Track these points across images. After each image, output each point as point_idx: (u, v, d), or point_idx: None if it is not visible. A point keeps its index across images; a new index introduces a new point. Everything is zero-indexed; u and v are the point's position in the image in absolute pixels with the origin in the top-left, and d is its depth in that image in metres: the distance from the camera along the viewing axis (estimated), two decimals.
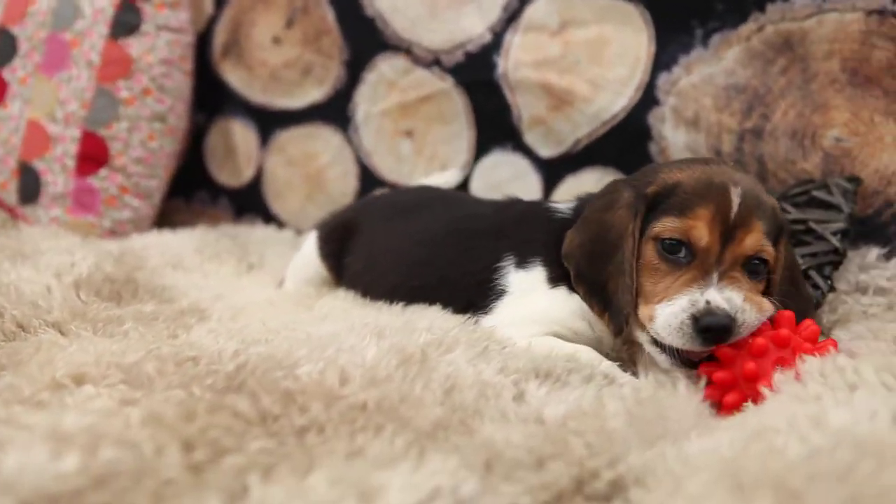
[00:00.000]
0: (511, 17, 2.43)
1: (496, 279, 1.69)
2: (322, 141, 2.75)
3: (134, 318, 1.62)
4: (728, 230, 1.44)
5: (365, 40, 2.64)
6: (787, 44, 2.10)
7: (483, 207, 1.94)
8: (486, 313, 1.67)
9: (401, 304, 1.75)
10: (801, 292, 1.61)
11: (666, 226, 1.47)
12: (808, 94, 2.08)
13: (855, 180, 1.92)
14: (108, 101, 2.56)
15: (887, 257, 1.84)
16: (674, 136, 2.24)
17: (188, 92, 2.77)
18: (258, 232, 2.66)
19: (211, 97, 2.89)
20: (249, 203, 2.88)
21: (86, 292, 1.74)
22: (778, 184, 2.12)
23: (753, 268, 1.48)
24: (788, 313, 1.44)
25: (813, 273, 1.67)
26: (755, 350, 1.37)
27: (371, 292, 1.89)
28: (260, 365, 1.20)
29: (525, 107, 2.42)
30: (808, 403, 1.16)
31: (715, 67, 2.18)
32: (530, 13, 2.41)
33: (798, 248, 1.73)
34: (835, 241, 1.70)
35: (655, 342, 1.46)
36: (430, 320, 1.52)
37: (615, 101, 2.30)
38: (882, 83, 2.00)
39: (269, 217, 2.84)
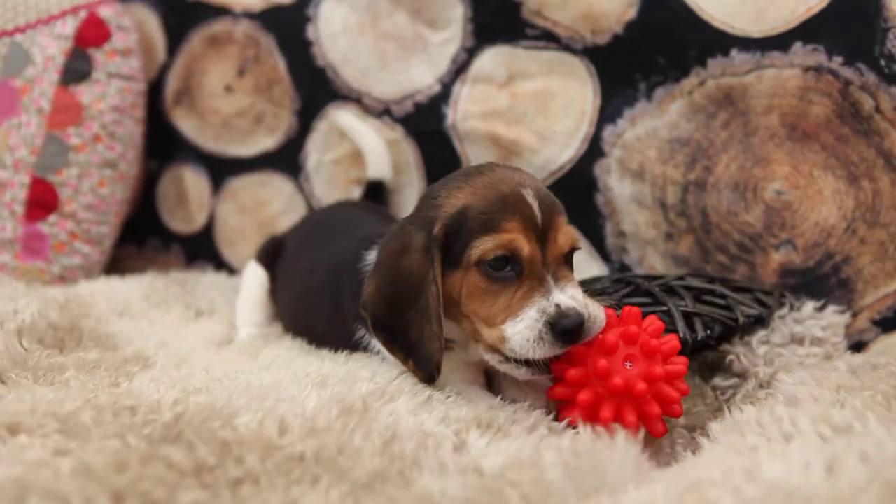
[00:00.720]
0: (459, 69, 2.45)
1: (364, 347, 1.70)
2: (274, 188, 2.74)
3: (76, 366, 1.59)
4: (540, 234, 1.44)
5: (316, 90, 2.64)
6: (728, 98, 2.12)
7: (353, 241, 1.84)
8: None
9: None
10: None
11: (486, 247, 1.43)
12: (750, 148, 2.10)
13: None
14: (58, 147, 2.54)
15: (821, 309, 1.85)
16: (620, 187, 2.25)
17: (140, 139, 2.75)
18: (208, 278, 2.63)
19: (163, 144, 2.87)
20: (201, 250, 2.86)
21: (28, 340, 1.71)
22: (721, 235, 2.13)
23: (569, 259, 1.51)
24: (635, 310, 1.46)
25: (696, 319, 1.66)
26: (606, 347, 1.37)
27: (283, 314, 2.05)
28: (198, 414, 1.19)
29: (474, 157, 2.42)
30: (743, 455, 1.17)
31: (659, 120, 2.20)
32: (478, 65, 2.42)
33: (704, 305, 1.74)
34: (738, 314, 1.70)
35: (508, 359, 1.44)
36: (373, 370, 1.50)
37: (562, 152, 2.32)
38: (820, 138, 2.03)
39: (220, 264, 2.82)
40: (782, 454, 1.12)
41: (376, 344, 1.63)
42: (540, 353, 1.39)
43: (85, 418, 1.18)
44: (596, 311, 1.42)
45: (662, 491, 1.05)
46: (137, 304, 2.17)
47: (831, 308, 1.83)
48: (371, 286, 1.54)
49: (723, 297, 1.76)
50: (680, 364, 1.42)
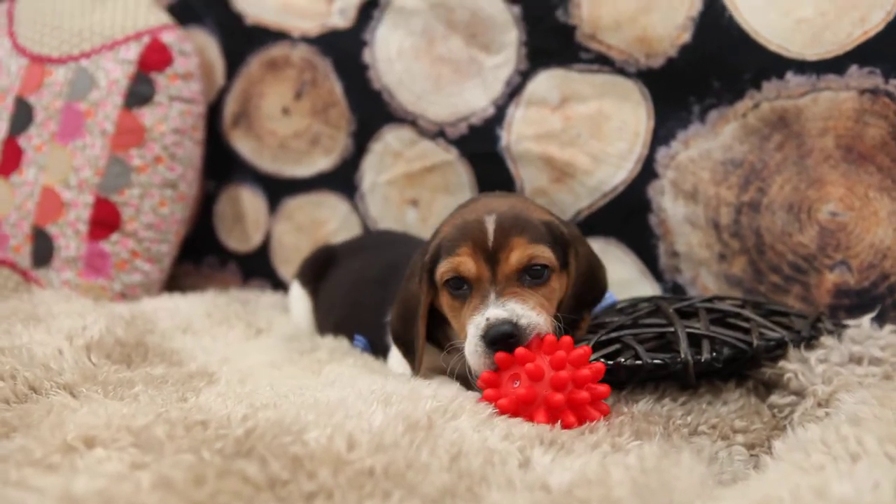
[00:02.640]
0: (513, 92, 2.45)
1: (387, 332, 1.89)
2: (329, 208, 2.75)
3: (144, 381, 1.60)
4: (491, 255, 1.58)
5: (372, 112, 2.66)
6: (782, 120, 2.11)
7: (394, 255, 2.10)
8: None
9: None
10: (595, 287, 1.77)
11: (442, 270, 1.62)
12: (804, 170, 2.09)
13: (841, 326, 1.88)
14: (120, 168, 2.57)
15: (880, 326, 1.83)
16: (673, 209, 2.24)
17: (199, 160, 2.78)
18: (267, 298, 2.65)
19: (221, 165, 2.90)
20: (257, 268, 2.88)
21: (97, 355, 1.73)
22: (775, 256, 2.12)
23: (536, 274, 1.60)
24: (567, 339, 1.50)
25: (705, 341, 1.66)
26: (531, 374, 1.43)
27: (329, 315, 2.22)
28: (268, 430, 1.19)
29: (528, 178, 2.42)
30: (810, 474, 1.15)
31: (712, 142, 2.20)
32: (532, 88, 2.42)
33: (724, 328, 1.72)
34: (754, 338, 1.68)
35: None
36: (435, 388, 1.50)
37: (615, 174, 2.31)
38: (876, 160, 2.01)
39: (276, 282, 2.84)
40: (850, 474, 1.10)
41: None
42: (483, 364, 1.52)
43: (158, 432, 1.18)
44: (533, 320, 1.52)
45: None
46: (200, 321, 2.19)
47: (889, 328, 1.80)
48: (394, 311, 1.80)
49: (747, 320, 1.75)
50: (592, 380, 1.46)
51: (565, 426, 1.40)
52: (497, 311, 1.52)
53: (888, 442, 1.19)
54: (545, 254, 1.61)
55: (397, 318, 1.77)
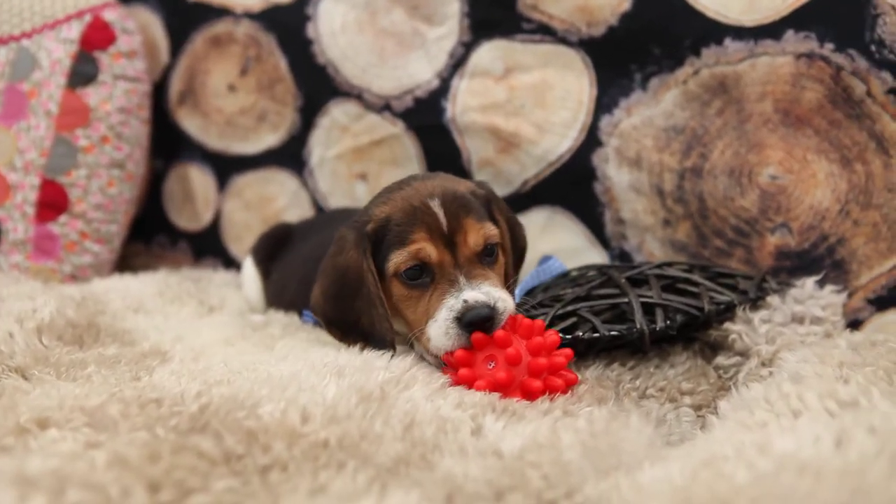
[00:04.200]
0: (457, 64, 2.45)
1: None
2: (278, 185, 2.74)
3: (96, 362, 1.59)
4: (448, 238, 1.57)
5: (317, 87, 2.64)
6: (721, 86, 2.13)
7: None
8: None
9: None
10: (517, 243, 1.79)
11: (397, 261, 1.59)
12: (744, 134, 2.11)
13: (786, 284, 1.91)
14: (66, 149, 2.54)
15: (820, 286, 1.86)
16: (618, 176, 2.26)
17: (146, 139, 2.75)
18: (219, 276, 2.64)
19: (168, 143, 2.87)
20: (208, 246, 2.86)
21: (48, 337, 1.71)
22: (718, 220, 2.14)
23: (489, 252, 1.63)
24: (540, 322, 1.53)
25: (658, 310, 1.68)
26: (510, 359, 1.44)
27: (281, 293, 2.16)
28: (223, 405, 1.19)
29: (474, 150, 2.43)
30: (754, 431, 1.18)
31: (654, 110, 2.21)
32: (475, 59, 2.42)
33: (676, 295, 1.74)
34: (705, 303, 1.71)
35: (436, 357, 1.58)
36: (387, 360, 1.51)
37: (560, 143, 2.32)
38: (813, 123, 2.04)
39: (227, 260, 2.82)
40: (792, 429, 1.13)
41: None
42: (449, 344, 1.52)
43: (112, 411, 1.18)
44: (508, 305, 1.54)
45: (678, 468, 1.06)
46: (151, 301, 2.18)
47: (829, 288, 1.83)
48: (317, 290, 1.71)
49: (696, 285, 1.77)
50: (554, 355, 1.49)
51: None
52: (474, 293, 1.52)
53: (828, 397, 1.22)
54: (493, 231, 1.63)
55: (326, 299, 1.69)
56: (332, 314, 1.68)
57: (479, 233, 1.59)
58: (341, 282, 1.65)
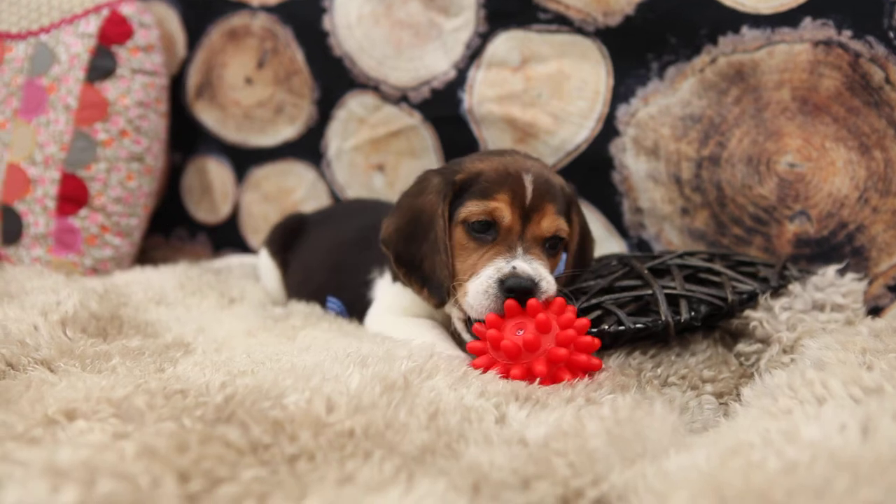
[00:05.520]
0: (474, 55, 2.44)
1: (369, 289, 1.93)
2: (296, 176, 2.74)
3: (121, 354, 1.59)
4: (525, 212, 1.61)
5: (334, 79, 2.65)
6: (739, 74, 2.12)
7: (372, 218, 2.01)
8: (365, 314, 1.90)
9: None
10: (584, 253, 1.80)
11: (472, 209, 1.62)
12: (762, 122, 2.10)
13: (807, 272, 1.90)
14: (86, 143, 2.54)
15: (842, 274, 1.85)
16: (635, 165, 2.25)
17: (164, 132, 2.75)
18: (239, 268, 2.64)
19: (186, 137, 2.88)
20: (227, 238, 2.87)
21: (72, 329, 1.71)
22: (736, 209, 2.13)
23: (552, 244, 1.67)
24: (571, 306, 1.55)
25: (682, 301, 1.67)
26: (540, 325, 1.46)
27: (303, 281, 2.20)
28: (248, 396, 1.19)
29: (491, 140, 2.42)
30: (779, 418, 1.16)
31: (671, 98, 2.20)
32: (492, 50, 2.42)
33: (699, 285, 1.73)
34: (728, 293, 1.70)
35: (466, 318, 1.62)
36: (410, 349, 1.50)
37: (577, 132, 2.32)
38: (831, 110, 2.03)
39: (246, 251, 2.83)
40: (817, 416, 1.12)
41: (378, 290, 1.91)
42: (485, 303, 1.55)
43: (138, 402, 1.17)
44: (550, 288, 1.57)
45: (704, 455, 1.05)
46: (173, 293, 2.17)
47: (850, 275, 1.82)
48: (391, 224, 1.73)
49: (718, 274, 1.76)
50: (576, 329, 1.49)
51: (557, 381, 1.42)
52: (524, 264, 1.56)
53: (852, 384, 1.21)
54: (565, 227, 1.67)
55: (399, 235, 1.71)
56: (401, 250, 1.70)
57: (554, 222, 1.63)
58: (415, 221, 1.68)
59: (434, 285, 1.65)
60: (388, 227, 1.73)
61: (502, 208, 1.60)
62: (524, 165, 1.65)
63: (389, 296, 1.84)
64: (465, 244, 1.64)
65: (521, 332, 1.48)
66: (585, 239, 1.80)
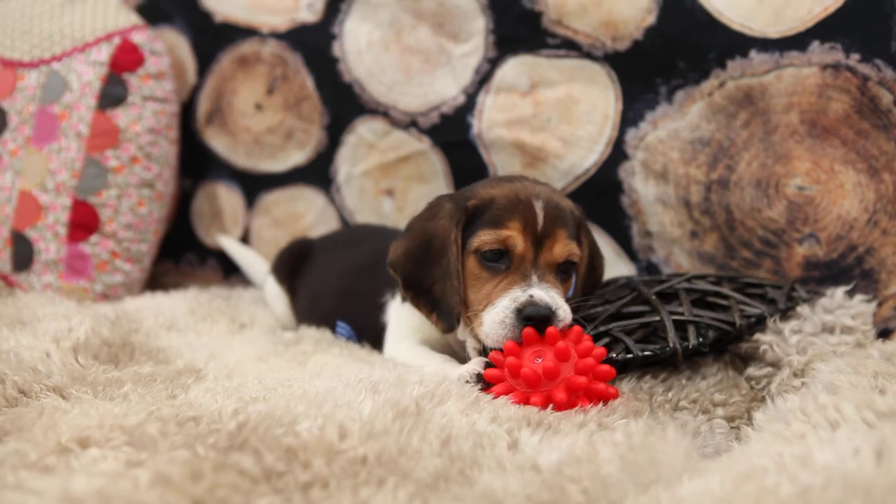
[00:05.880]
0: (483, 80, 2.45)
1: (382, 312, 1.92)
2: (306, 201, 2.75)
3: (132, 380, 1.59)
4: (538, 238, 1.62)
5: (344, 105, 2.65)
6: (747, 98, 2.12)
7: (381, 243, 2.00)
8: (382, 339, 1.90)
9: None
10: (594, 274, 1.83)
11: (484, 239, 1.62)
12: (770, 146, 2.10)
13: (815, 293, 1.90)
14: (97, 170, 2.55)
15: (850, 296, 1.84)
16: (644, 189, 2.25)
17: (174, 158, 2.76)
18: (248, 293, 2.64)
19: (197, 163, 2.89)
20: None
21: (84, 356, 1.71)
22: (745, 232, 2.13)
23: (565, 269, 1.68)
24: (588, 335, 1.56)
25: (690, 326, 1.67)
26: (559, 353, 1.47)
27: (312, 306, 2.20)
28: (260, 423, 1.19)
29: (500, 164, 2.43)
30: (792, 443, 1.16)
31: (680, 122, 2.20)
32: (501, 75, 2.42)
33: (706, 310, 1.73)
34: (736, 317, 1.70)
35: (482, 347, 1.62)
36: (421, 375, 1.50)
37: (586, 156, 2.32)
38: (840, 133, 2.03)
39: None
40: (831, 441, 1.12)
41: (390, 313, 1.89)
42: (501, 333, 1.55)
43: (151, 430, 1.17)
44: (567, 317, 1.58)
45: (718, 480, 1.05)
46: (184, 319, 2.18)
47: (859, 297, 1.82)
48: (400, 248, 1.73)
49: (726, 298, 1.76)
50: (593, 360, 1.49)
51: (574, 407, 1.43)
52: (541, 292, 1.56)
53: (865, 408, 1.21)
54: (577, 251, 1.67)
55: (409, 259, 1.71)
56: (409, 274, 1.70)
57: (566, 247, 1.64)
58: (426, 246, 1.68)
59: (444, 311, 1.64)
60: (397, 250, 1.73)
61: (515, 236, 1.60)
62: (534, 191, 1.66)
63: (401, 317, 1.84)
64: (477, 274, 1.64)
65: (540, 360, 1.48)
66: (595, 260, 1.81)
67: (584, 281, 1.77)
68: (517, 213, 1.62)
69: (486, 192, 1.68)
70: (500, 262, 1.62)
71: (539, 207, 1.62)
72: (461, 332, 1.69)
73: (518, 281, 1.58)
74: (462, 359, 1.71)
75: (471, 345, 1.66)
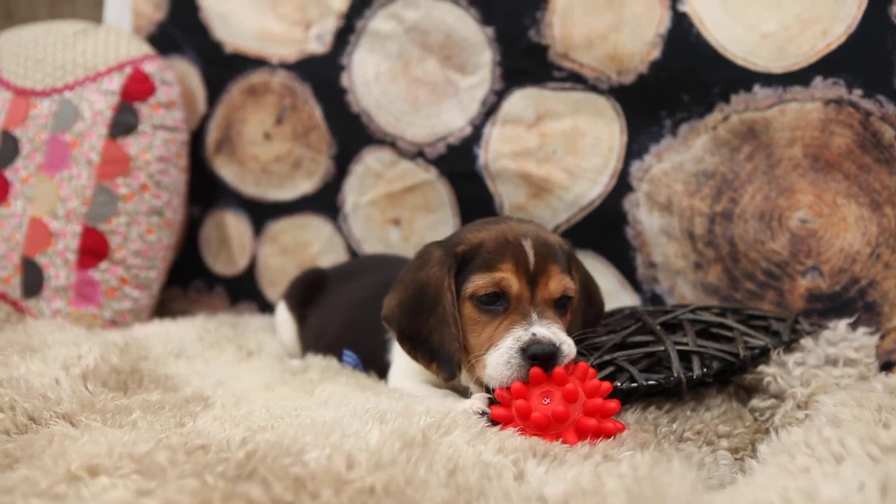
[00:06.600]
0: (489, 111, 2.46)
1: (386, 350, 1.92)
2: (313, 230, 2.76)
3: (141, 408, 1.59)
4: (532, 277, 1.60)
5: (351, 135, 2.67)
6: (751, 132, 2.13)
7: (389, 274, 1.99)
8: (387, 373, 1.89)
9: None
10: (593, 303, 1.81)
11: (478, 283, 1.61)
12: (774, 179, 2.11)
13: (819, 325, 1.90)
14: (107, 197, 2.56)
15: (853, 329, 1.84)
16: (648, 220, 2.26)
17: (184, 186, 2.77)
18: (256, 320, 2.65)
19: (205, 191, 2.90)
20: (244, 291, 2.87)
21: (93, 383, 1.71)
22: (749, 264, 2.14)
23: (562, 303, 1.65)
24: (593, 369, 1.55)
25: (695, 357, 1.67)
26: (567, 395, 1.46)
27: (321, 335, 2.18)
28: (269, 452, 1.18)
29: (506, 195, 2.44)
30: (797, 476, 1.16)
31: (685, 155, 2.21)
32: (507, 107, 2.44)
33: (711, 341, 1.74)
34: (740, 349, 1.70)
35: (487, 390, 1.59)
36: (428, 405, 1.50)
37: (591, 188, 2.33)
38: (842, 167, 2.04)
39: (263, 304, 2.83)
40: (835, 475, 1.11)
41: (395, 352, 1.87)
42: (508, 373, 1.52)
43: (160, 458, 1.17)
44: (570, 351, 1.55)
45: None
46: (192, 346, 2.18)
47: (862, 330, 1.82)
48: (394, 300, 1.71)
49: (730, 329, 1.76)
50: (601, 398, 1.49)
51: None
52: (543, 330, 1.54)
53: (869, 442, 1.20)
54: (572, 285, 1.66)
55: (403, 310, 1.69)
56: (405, 326, 1.68)
57: (561, 282, 1.63)
58: (419, 296, 1.66)
59: (444, 359, 1.62)
60: (391, 302, 1.72)
61: (508, 278, 1.59)
62: (521, 231, 1.65)
63: (406, 358, 1.78)
64: (476, 318, 1.62)
65: (548, 401, 1.47)
66: (591, 290, 1.80)
67: (584, 312, 1.76)
68: (508, 255, 1.61)
69: (473, 236, 1.67)
70: (496, 304, 1.60)
71: (529, 246, 1.61)
72: (464, 379, 1.67)
73: (518, 321, 1.57)
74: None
75: (474, 391, 1.63)
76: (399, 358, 1.84)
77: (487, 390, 1.58)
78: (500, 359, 1.54)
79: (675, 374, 1.62)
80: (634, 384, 1.61)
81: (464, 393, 1.70)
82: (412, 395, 1.69)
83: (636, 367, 1.64)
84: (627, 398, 1.66)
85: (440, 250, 1.68)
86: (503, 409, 1.49)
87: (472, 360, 1.61)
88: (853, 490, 1.04)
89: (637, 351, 1.68)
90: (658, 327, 1.74)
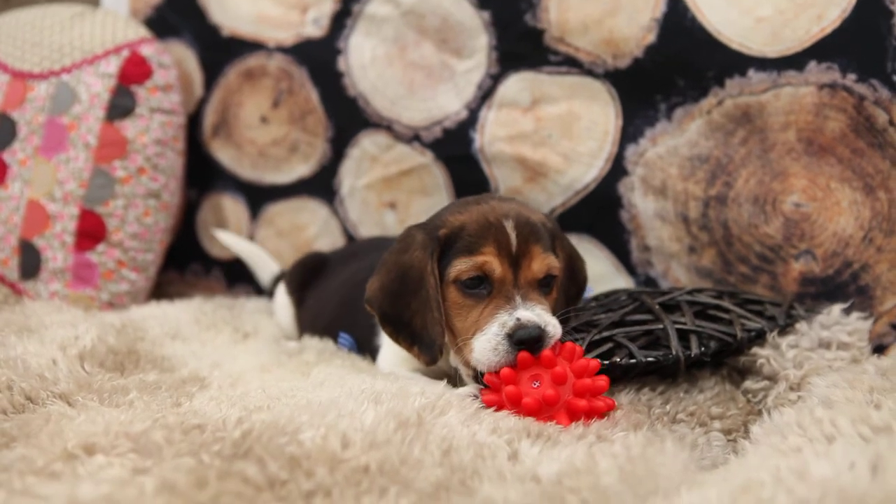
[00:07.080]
0: (485, 95, 2.46)
1: (375, 334, 1.91)
2: (310, 213, 2.75)
3: (138, 388, 1.59)
4: (514, 259, 1.58)
5: (348, 118, 2.66)
6: (745, 116, 2.13)
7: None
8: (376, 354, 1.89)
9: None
10: (576, 280, 1.79)
11: (461, 268, 1.58)
12: (768, 163, 2.11)
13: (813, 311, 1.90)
14: (104, 180, 2.56)
15: (847, 313, 1.84)
16: (643, 204, 2.26)
17: (181, 170, 2.77)
18: (252, 303, 2.65)
19: (202, 174, 2.89)
20: (241, 274, 2.86)
21: (90, 364, 1.72)
22: (743, 247, 2.14)
23: (546, 282, 1.63)
24: (580, 348, 1.54)
25: (693, 336, 1.67)
26: (556, 378, 1.45)
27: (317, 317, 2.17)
28: (264, 431, 1.19)
29: (502, 179, 2.43)
30: (789, 456, 1.16)
31: (679, 139, 2.21)
32: (503, 91, 2.43)
33: (706, 321, 1.74)
34: (737, 330, 1.70)
35: (476, 374, 1.58)
36: (422, 386, 1.51)
37: (587, 172, 2.32)
38: (836, 152, 2.03)
39: (259, 287, 2.83)
40: (827, 454, 1.11)
41: (383, 338, 1.83)
42: (496, 359, 1.51)
43: (157, 437, 1.18)
44: (556, 331, 1.54)
45: (715, 493, 1.05)
46: (188, 328, 2.18)
47: (855, 314, 1.82)
48: (376, 283, 1.69)
49: (727, 311, 1.76)
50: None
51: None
52: (528, 313, 1.53)
53: (860, 423, 1.21)
54: (556, 263, 1.63)
55: (385, 294, 1.67)
56: (386, 309, 1.66)
57: (544, 262, 1.60)
58: (401, 279, 1.64)
59: (425, 343, 1.61)
60: (373, 285, 1.69)
61: (491, 261, 1.57)
62: (503, 211, 1.62)
63: (393, 346, 1.77)
64: (460, 303, 1.60)
65: (538, 384, 1.47)
66: (574, 266, 1.78)
67: (567, 288, 1.74)
68: (490, 237, 1.59)
69: (454, 218, 1.64)
70: (480, 287, 1.58)
71: (510, 227, 1.59)
72: (452, 360, 1.67)
73: (503, 304, 1.55)
74: (455, 382, 1.69)
75: (464, 372, 1.63)
76: (387, 345, 1.83)
77: (476, 372, 1.57)
78: (486, 345, 1.52)
79: (674, 352, 1.62)
80: (633, 360, 1.61)
81: (453, 378, 1.69)
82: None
83: (635, 344, 1.64)
84: (625, 375, 1.66)
85: (422, 233, 1.65)
86: (494, 395, 1.49)
87: (459, 343, 1.60)
88: (844, 469, 1.04)
89: (635, 328, 1.68)
90: (657, 306, 1.74)
